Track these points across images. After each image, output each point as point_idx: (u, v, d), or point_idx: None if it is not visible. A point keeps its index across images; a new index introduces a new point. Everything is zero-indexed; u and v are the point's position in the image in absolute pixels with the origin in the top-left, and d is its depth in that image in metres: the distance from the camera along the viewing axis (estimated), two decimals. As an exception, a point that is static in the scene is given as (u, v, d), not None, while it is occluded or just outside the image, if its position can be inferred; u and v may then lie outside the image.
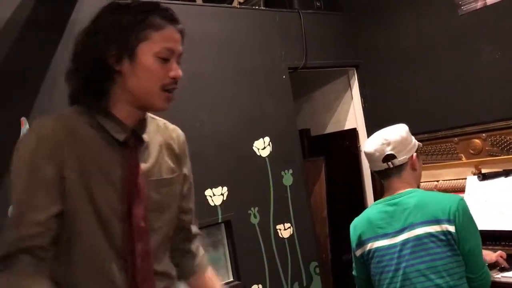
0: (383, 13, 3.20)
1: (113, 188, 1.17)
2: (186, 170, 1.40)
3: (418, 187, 1.91)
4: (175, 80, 1.22)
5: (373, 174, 3.10)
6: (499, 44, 2.61)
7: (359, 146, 3.44)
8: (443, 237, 1.66)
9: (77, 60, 1.20)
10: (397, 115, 3.01)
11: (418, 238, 1.70)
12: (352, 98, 3.47)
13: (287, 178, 2.84)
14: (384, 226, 1.81)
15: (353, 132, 3.48)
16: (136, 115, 1.25)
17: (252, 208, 2.64)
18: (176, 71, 1.22)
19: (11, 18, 2.01)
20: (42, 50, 2.09)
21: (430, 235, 1.68)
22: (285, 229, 2.76)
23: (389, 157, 1.82)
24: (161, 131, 1.35)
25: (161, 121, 1.38)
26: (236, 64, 2.71)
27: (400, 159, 1.82)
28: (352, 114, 3.50)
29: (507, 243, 2.14)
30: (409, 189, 1.82)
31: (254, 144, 2.73)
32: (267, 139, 2.79)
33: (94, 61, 1.17)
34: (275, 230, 2.72)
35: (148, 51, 1.17)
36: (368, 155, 1.89)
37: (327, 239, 3.47)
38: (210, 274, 1.47)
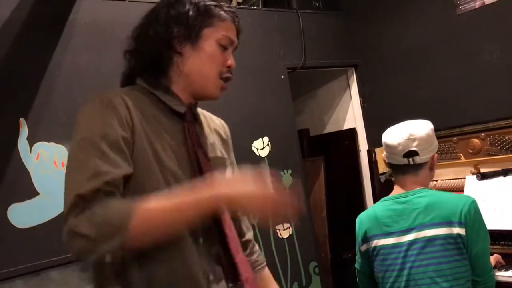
0: (381, 13, 3.20)
1: (181, 156, 1.18)
2: (233, 157, 1.46)
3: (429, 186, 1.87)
4: (230, 69, 1.27)
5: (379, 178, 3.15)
6: (498, 43, 2.61)
7: (358, 146, 3.45)
8: (451, 240, 1.62)
9: (141, 38, 1.23)
10: (396, 114, 2.99)
11: (426, 239, 1.66)
12: (351, 97, 3.47)
13: (286, 178, 2.84)
14: (390, 224, 1.76)
15: (352, 132, 3.48)
16: (189, 101, 1.27)
17: (251, 208, 2.63)
18: (232, 61, 1.28)
19: (9, 18, 2.01)
20: (41, 50, 2.09)
21: (439, 237, 1.64)
22: (284, 229, 2.76)
23: (412, 153, 1.74)
24: (208, 119, 1.42)
25: (206, 112, 1.45)
26: (235, 64, 2.70)
27: (422, 157, 1.75)
28: (351, 114, 3.50)
29: (506, 243, 2.14)
30: (420, 187, 1.77)
31: (253, 144, 2.73)
32: (266, 139, 2.78)
33: (159, 40, 1.20)
34: (274, 231, 2.72)
35: (211, 37, 1.23)
36: (390, 147, 1.79)
37: (326, 239, 3.47)
38: (268, 274, 1.46)
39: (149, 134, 1.13)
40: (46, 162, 2.01)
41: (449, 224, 1.63)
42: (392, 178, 2.97)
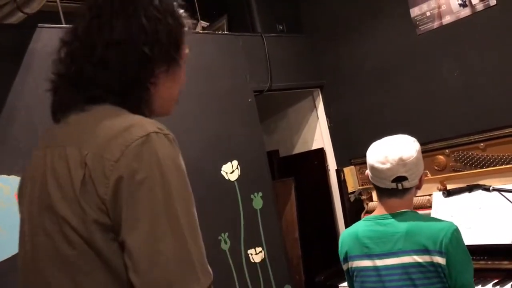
0: (343, 34, 3.27)
1: None
2: None
3: None
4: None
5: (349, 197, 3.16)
6: (456, 62, 2.70)
7: (327, 165, 3.47)
8: (432, 269, 1.57)
9: (118, 54, 0.96)
10: (362, 134, 3.05)
11: (407, 266, 1.61)
12: (318, 118, 3.51)
13: (257, 201, 2.82)
14: (370, 246, 1.71)
15: (321, 152, 3.51)
16: None
17: (222, 234, 2.60)
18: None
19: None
20: (0, 80, 2.03)
21: (419, 265, 1.59)
22: (256, 254, 2.73)
23: (401, 179, 1.66)
24: None
25: None
26: (202, 89, 2.70)
27: (412, 182, 1.67)
28: (319, 134, 3.53)
29: (474, 258, 2.16)
30: (404, 210, 1.70)
31: (222, 168, 2.71)
32: (235, 162, 2.77)
33: (142, 61, 0.97)
34: (247, 255, 2.69)
35: (183, 55, 1.07)
36: (377, 171, 1.69)
37: (299, 260, 3.44)
38: None
39: None
40: (6, 196, 1.94)
41: (429, 252, 1.58)
42: (362, 197, 3.03)
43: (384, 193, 1.73)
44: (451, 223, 1.64)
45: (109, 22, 0.97)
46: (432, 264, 1.57)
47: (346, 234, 1.84)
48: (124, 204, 0.85)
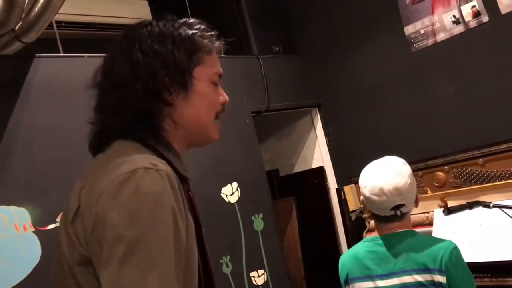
0: (339, 53, 3.29)
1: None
2: None
3: None
4: (224, 106, 1.12)
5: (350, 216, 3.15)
6: (452, 79, 2.71)
7: (328, 184, 3.47)
8: (433, 287, 1.58)
9: (120, 90, 0.99)
10: (361, 151, 3.05)
11: (407, 285, 1.62)
12: (317, 137, 3.51)
13: (258, 223, 2.81)
14: (371, 267, 1.71)
15: (321, 170, 3.51)
16: (184, 154, 1.09)
17: (224, 257, 2.58)
18: (225, 96, 1.12)
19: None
20: (-3, 111, 2.04)
21: (420, 284, 1.59)
22: (259, 276, 2.71)
23: (399, 206, 1.68)
24: None
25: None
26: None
27: (409, 207, 1.70)
28: (318, 153, 3.54)
29: (478, 275, 2.15)
30: (403, 230, 1.71)
31: (222, 191, 2.71)
32: (235, 184, 2.77)
33: (147, 93, 0.98)
34: (249, 278, 2.67)
35: (203, 77, 1.05)
36: (374, 203, 1.70)
37: (303, 280, 3.42)
38: None
39: (189, 231, 0.94)
40: (5, 226, 1.93)
41: (430, 271, 1.58)
42: (363, 215, 3.01)
43: (383, 220, 1.74)
44: (450, 242, 1.65)
45: (111, 66, 1.02)
46: (433, 283, 1.58)
47: (346, 256, 1.84)
48: (99, 240, 0.85)
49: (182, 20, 1.09)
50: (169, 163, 0.97)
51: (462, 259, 1.62)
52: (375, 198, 1.69)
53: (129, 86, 0.98)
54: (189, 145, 1.10)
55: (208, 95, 1.07)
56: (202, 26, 1.09)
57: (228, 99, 1.13)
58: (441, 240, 1.69)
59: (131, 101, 0.98)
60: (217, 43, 1.10)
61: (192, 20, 1.10)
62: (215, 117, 1.10)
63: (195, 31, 1.06)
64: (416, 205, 1.78)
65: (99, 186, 0.88)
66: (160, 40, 1.01)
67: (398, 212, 1.68)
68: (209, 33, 1.09)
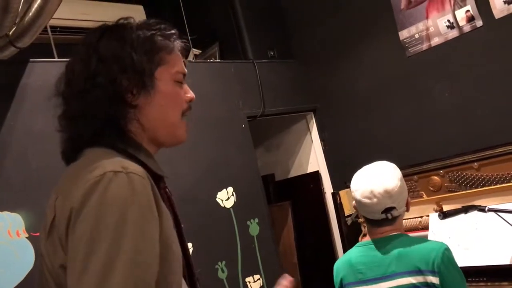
0: (334, 58, 3.30)
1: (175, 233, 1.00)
2: None
3: None
4: (190, 103, 1.12)
5: (346, 220, 3.16)
6: (447, 83, 2.72)
7: (323, 188, 3.46)
8: None
9: (81, 98, 0.99)
10: (357, 156, 3.06)
11: None
12: (312, 141, 3.51)
13: (254, 228, 2.80)
14: (364, 271, 1.74)
15: (316, 175, 3.51)
16: (155, 153, 1.09)
17: (219, 263, 2.57)
18: (191, 93, 1.12)
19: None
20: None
21: (413, 286, 1.61)
22: (254, 281, 2.70)
23: (390, 209, 1.70)
24: None
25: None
26: (195, 116, 2.71)
27: (400, 210, 1.72)
28: (314, 157, 3.54)
29: (474, 279, 2.15)
30: (394, 233, 1.73)
31: (218, 196, 2.70)
32: (230, 189, 2.76)
33: (109, 98, 0.98)
34: (245, 284, 2.65)
35: (165, 76, 1.05)
36: (365, 206, 1.73)
37: (299, 285, 3.41)
38: None
39: (166, 223, 0.93)
40: (-1, 232, 1.92)
41: (422, 272, 1.60)
42: (359, 220, 3.01)
43: (375, 224, 1.77)
44: (442, 243, 1.68)
45: (72, 74, 1.02)
46: (426, 284, 1.60)
47: (339, 262, 1.87)
48: (69, 244, 0.85)
49: (141, 22, 1.09)
50: (142, 163, 0.96)
51: (453, 260, 1.64)
52: (366, 201, 1.72)
53: (89, 93, 0.98)
54: (158, 145, 1.10)
55: (172, 94, 1.07)
56: (162, 26, 1.08)
57: (194, 96, 1.13)
58: (433, 242, 1.72)
59: (93, 108, 0.98)
60: (178, 42, 1.10)
61: (152, 20, 1.09)
62: (181, 116, 1.10)
63: (154, 32, 1.05)
64: (407, 209, 1.80)
65: (72, 193, 0.87)
66: (118, 44, 1.01)
67: (389, 216, 1.71)
68: (169, 32, 1.08)
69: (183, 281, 1.01)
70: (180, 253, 0.98)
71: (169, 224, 0.95)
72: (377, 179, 1.72)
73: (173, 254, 0.94)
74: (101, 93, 0.98)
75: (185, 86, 1.12)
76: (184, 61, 1.13)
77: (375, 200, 1.70)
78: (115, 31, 1.04)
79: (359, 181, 1.77)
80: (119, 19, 1.09)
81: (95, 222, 0.82)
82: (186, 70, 1.12)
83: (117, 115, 0.99)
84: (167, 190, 1.06)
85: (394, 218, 1.73)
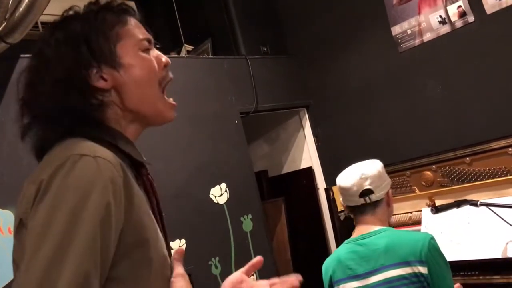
0: (326, 54, 3.30)
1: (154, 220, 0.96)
2: None
3: (389, 222, 1.90)
4: (167, 69, 1.05)
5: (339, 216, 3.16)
6: (439, 78, 2.73)
7: (316, 184, 3.47)
8: (415, 279, 1.63)
9: (52, 89, 0.93)
10: (350, 151, 3.06)
11: (390, 280, 1.66)
12: (305, 137, 3.51)
13: (247, 224, 2.80)
14: (354, 267, 1.76)
15: (309, 171, 3.51)
16: (136, 137, 1.04)
17: (213, 259, 2.57)
18: (163, 56, 1.05)
19: None
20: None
21: (402, 277, 1.64)
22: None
23: (367, 192, 1.77)
24: None
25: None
26: (188, 112, 2.70)
27: (378, 194, 1.78)
28: (307, 153, 3.54)
29: (466, 273, 2.17)
30: (380, 227, 1.77)
31: (211, 192, 2.69)
32: (223, 185, 2.75)
33: (80, 88, 0.93)
34: (238, 279, 2.65)
35: (129, 50, 0.99)
36: (344, 190, 1.82)
37: (289, 263, 3.42)
38: None
39: (137, 210, 0.89)
40: (-10, 229, 1.91)
41: (410, 263, 1.64)
42: (352, 215, 3.02)
43: (357, 212, 1.83)
44: (427, 233, 1.74)
45: (36, 74, 0.97)
46: (415, 274, 1.64)
47: (328, 260, 1.89)
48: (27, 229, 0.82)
49: (85, 6, 1.03)
50: (121, 150, 0.93)
51: (439, 249, 1.69)
52: (345, 183, 1.81)
53: (55, 89, 0.93)
54: (144, 125, 1.05)
55: (141, 64, 1.00)
56: (106, 2, 1.03)
57: (169, 60, 1.06)
58: (418, 233, 1.78)
59: (63, 102, 0.93)
60: (129, 11, 1.05)
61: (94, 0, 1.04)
62: (160, 87, 1.04)
63: (100, 9, 1.01)
64: (389, 203, 1.85)
65: (37, 178, 0.84)
66: (71, 34, 0.97)
67: (368, 199, 1.78)
68: (116, 5, 1.03)
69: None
70: (157, 237, 0.93)
71: (143, 210, 0.91)
72: (357, 166, 1.85)
73: (150, 237, 0.90)
74: (68, 86, 0.93)
75: (155, 52, 1.05)
76: (146, 28, 1.06)
77: (351, 180, 1.79)
78: (65, 24, 0.99)
79: (343, 171, 1.89)
80: (63, 12, 1.03)
81: (52, 205, 0.79)
82: (149, 35, 1.05)
83: (88, 105, 0.94)
84: (149, 177, 1.02)
85: (374, 205, 1.79)
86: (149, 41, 1.04)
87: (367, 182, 1.77)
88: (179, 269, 0.96)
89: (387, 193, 1.83)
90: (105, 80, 0.96)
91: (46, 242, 0.76)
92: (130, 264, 0.85)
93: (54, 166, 0.82)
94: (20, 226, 0.87)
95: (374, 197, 1.78)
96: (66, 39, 0.96)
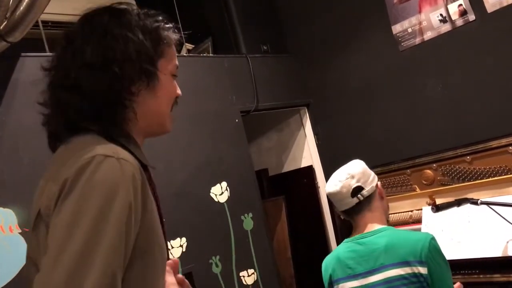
0: (327, 53, 3.30)
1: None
2: None
3: (387, 219, 1.89)
4: (177, 99, 1.14)
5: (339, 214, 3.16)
6: (440, 77, 2.73)
7: (317, 182, 3.47)
8: (414, 279, 1.62)
9: (90, 77, 0.95)
10: (350, 150, 3.06)
11: (389, 280, 1.66)
12: (306, 136, 3.51)
13: (248, 222, 2.80)
14: (353, 266, 1.76)
15: (310, 169, 3.51)
16: (141, 144, 1.08)
17: (214, 257, 2.57)
18: (179, 89, 1.13)
19: None
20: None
21: (402, 277, 1.64)
22: (249, 276, 2.70)
23: (358, 190, 1.77)
24: None
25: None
26: (188, 111, 2.70)
27: (368, 189, 1.77)
28: (307, 152, 3.54)
29: (466, 272, 2.17)
30: (379, 227, 1.77)
31: (211, 190, 2.69)
32: (224, 184, 2.75)
33: (116, 82, 0.96)
34: (239, 278, 2.66)
35: (166, 69, 1.06)
36: (335, 195, 1.81)
37: (292, 279, 3.42)
38: None
39: (149, 215, 0.92)
40: (-9, 228, 1.91)
41: (410, 263, 1.63)
42: (350, 219, 3.02)
43: (353, 213, 1.81)
44: (427, 233, 1.72)
45: (80, 47, 0.98)
46: (415, 275, 1.63)
47: (328, 259, 1.89)
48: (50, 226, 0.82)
49: (143, 11, 1.07)
50: (131, 153, 0.95)
51: (440, 249, 1.67)
52: (333, 188, 1.80)
53: (101, 68, 0.95)
54: (146, 136, 1.09)
55: (169, 87, 1.08)
56: (162, 18, 1.08)
57: (181, 92, 1.14)
58: (419, 233, 1.75)
59: (101, 83, 0.95)
60: (176, 36, 1.10)
61: (152, 11, 1.09)
62: (171, 110, 1.11)
63: (158, 23, 1.05)
64: (381, 194, 1.85)
65: (60, 177, 0.85)
66: (129, 28, 1.00)
67: (360, 197, 1.77)
68: (169, 26, 1.08)
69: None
70: (163, 243, 0.97)
71: (155, 215, 0.94)
72: (341, 169, 1.86)
73: (158, 242, 0.93)
74: (117, 70, 0.95)
75: (175, 81, 1.13)
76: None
77: (339, 183, 1.78)
78: (123, 15, 1.02)
79: (329, 181, 1.88)
80: (119, 3, 1.07)
81: (78, 205, 0.80)
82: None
83: (118, 99, 0.97)
84: (152, 181, 1.06)
85: (368, 201, 1.78)
86: (177, 68, 1.11)
87: (354, 181, 1.78)
88: (170, 279, 0.99)
89: (377, 185, 1.84)
90: (141, 81, 1.00)
91: (73, 241, 0.77)
92: (140, 267, 0.87)
93: (79, 166, 0.84)
94: (37, 222, 0.88)
95: (365, 192, 1.78)
96: (127, 32, 0.99)
